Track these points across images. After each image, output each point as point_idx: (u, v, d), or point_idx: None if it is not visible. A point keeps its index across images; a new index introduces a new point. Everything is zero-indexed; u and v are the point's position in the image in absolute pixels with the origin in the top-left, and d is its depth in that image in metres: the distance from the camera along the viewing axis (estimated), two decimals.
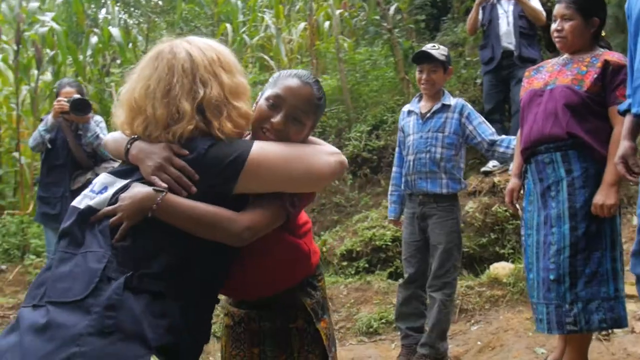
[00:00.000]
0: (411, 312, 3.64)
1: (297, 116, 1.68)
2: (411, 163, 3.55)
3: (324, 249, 5.47)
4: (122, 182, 1.53)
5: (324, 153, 1.67)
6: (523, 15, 5.53)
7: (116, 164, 4.52)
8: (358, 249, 5.34)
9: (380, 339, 4.21)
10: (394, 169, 3.79)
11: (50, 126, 4.42)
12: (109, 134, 1.90)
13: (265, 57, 8.20)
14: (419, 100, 3.70)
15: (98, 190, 1.55)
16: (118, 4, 8.67)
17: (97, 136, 4.36)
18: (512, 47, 5.54)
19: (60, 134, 4.48)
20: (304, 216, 1.90)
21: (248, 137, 1.70)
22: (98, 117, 4.62)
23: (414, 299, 3.63)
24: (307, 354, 1.86)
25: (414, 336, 3.59)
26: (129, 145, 1.59)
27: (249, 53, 8.72)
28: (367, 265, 5.24)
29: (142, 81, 1.56)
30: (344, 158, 1.74)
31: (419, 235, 3.57)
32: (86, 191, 1.58)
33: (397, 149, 3.80)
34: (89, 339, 1.27)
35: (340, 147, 6.69)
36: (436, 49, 3.52)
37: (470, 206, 5.20)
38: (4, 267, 6.81)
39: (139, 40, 10.07)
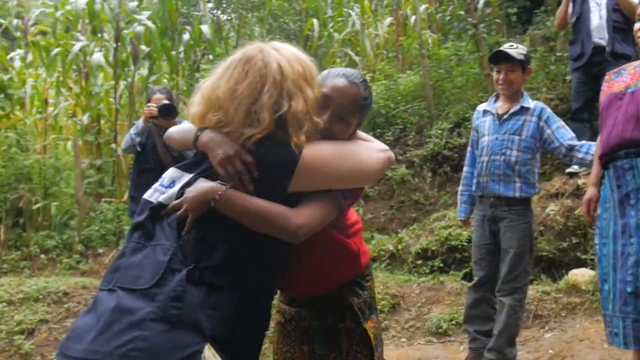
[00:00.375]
0: (480, 315, 3.59)
1: (343, 115, 1.73)
2: (484, 164, 3.48)
3: (399, 247, 5.48)
4: (188, 176, 1.63)
5: (372, 150, 1.75)
6: (617, 9, 5.24)
7: None
8: (433, 248, 5.30)
9: (449, 340, 4.18)
10: (465, 168, 3.74)
11: (140, 130, 4.67)
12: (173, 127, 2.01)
13: (351, 52, 8.24)
14: (496, 100, 3.61)
15: (167, 185, 1.66)
16: (210, 2, 8.98)
17: None
18: (603, 42, 5.27)
19: (151, 138, 4.70)
20: (353, 216, 1.94)
21: None
22: (186, 122, 4.82)
23: (483, 302, 3.58)
24: (355, 354, 1.91)
25: (482, 340, 3.54)
26: (199, 133, 1.67)
27: (335, 48, 8.80)
28: (441, 265, 5.20)
29: (229, 82, 1.62)
30: (391, 154, 1.81)
31: (490, 238, 3.51)
32: (156, 185, 1.70)
33: (469, 148, 3.74)
34: (151, 325, 1.39)
35: (420, 145, 6.65)
36: (514, 48, 3.43)
37: (551, 208, 5.03)
38: (100, 251, 7.31)
39: (230, 36, 10.43)
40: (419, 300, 4.73)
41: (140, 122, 4.70)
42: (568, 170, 5.40)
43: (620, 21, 5.26)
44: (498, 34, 7.53)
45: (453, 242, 5.20)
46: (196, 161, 1.69)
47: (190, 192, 1.57)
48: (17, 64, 9.06)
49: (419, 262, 5.32)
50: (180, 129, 1.86)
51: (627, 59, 4.72)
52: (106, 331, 1.39)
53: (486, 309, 3.58)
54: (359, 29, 8.09)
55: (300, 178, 1.58)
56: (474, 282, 3.64)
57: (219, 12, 9.81)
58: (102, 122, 8.70)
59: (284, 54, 1.66)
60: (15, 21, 9.72)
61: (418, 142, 6.73)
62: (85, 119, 7.88)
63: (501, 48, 3.49)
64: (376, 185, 6.58)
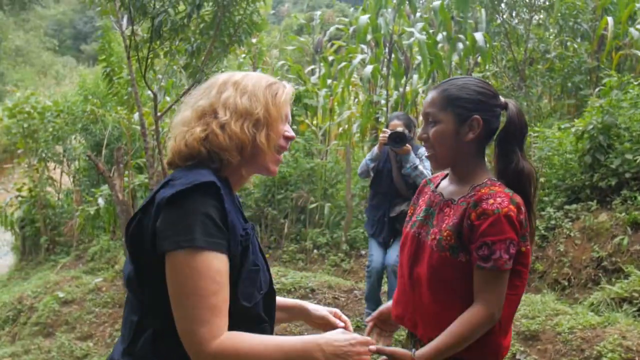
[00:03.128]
0: None
1: None
2: None
3: None
4: None
5: None
6: None
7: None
8: None
9: None
10: None
11: (374, 156, 4.86)
12: None
13: None
14: None
15: None
16: (486, 8, 8.71)
17: (416, 167, 4.60)
18: None
19: (388, 164, 4.87)
20: None
21: None
22: (423, 150, 4.84)
23: None
24: None
25: None
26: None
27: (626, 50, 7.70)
28: None
29: None
30: None
31: None
32: None
33: None
34: None
35: None
36: None
37: None
38: (363, 252, 7.78)
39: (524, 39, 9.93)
40: None
41: (375, 149, 4.87)
42: None
43: None
44: None
45: None
46: None
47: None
48: (315, 77, 10.17)
49: None
50: None
51: None
52: None
53: None
54: None
55: None
56: None
57: (503, 15, 9.40)
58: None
59: None
60: (317, 38, 10.91)
61: None
62: (355, 127, 8.44)
63: None
64: None
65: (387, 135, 4.55)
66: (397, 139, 4.49)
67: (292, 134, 1.67)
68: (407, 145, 4.54)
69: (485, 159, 2.00)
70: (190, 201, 1.40)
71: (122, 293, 7.27)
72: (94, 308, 7.09)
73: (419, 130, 2.07)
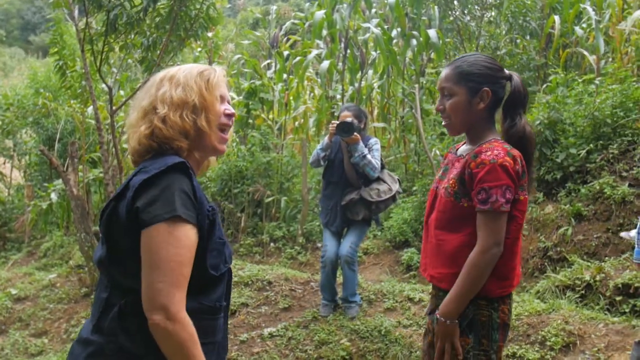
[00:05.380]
0: None
1: None
2: None
3: (598, 278, 4.84)
4: None
5: None
6: None
7: (384, 187, 4.89)
8: (637, 285, 4.57)
9: None
10: None
11: (325, 146, 4.96)
12: None
13: (585, 52, 7.42)
14: None
15: None
16: (439, 5, 8.91)
17: (364, 156, 4.73)
18: None
19: (340, 154, 4.99)
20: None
21: None
22: (374, 140, 4.99)
23: None
24: None
25: None
26: None
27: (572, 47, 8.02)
28: None
29: None
30: None
31: None
32: None
33: None
34: (97, 357, 1.63)
35: None
36: None
37: None
38: (319, 245, 7.89)
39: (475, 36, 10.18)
40: (600, 344, 4.14)
41: (326, 139, 4.98)
42: None
43: None
44: None
45: None
46: None
47: None
48: (271, 71, 10.19)
49: (618, 298, 4.64)
50: None
51: None
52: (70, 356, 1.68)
53: None
54: (594, 25, 7.20)
55: None
56: None
57: (456, 12, 9.64)
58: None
59: None
60: (274, 32, 10.92)
61: None
62: (311, 121, 8.52)
63: None
64: (592, 204, 5.88)
65: (335, 125, 4.70)
66: (345, 128, 4.66)
67: (231, 110, 1.82)
68: (356, 134, 4.68)
69: (495, 123, 2.27)
70: (167, 180, 1.55)
71: (77, 289, 7.20)
72: (49, 304, 7.00)
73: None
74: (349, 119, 4.73)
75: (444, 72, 2.27)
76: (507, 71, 2.26)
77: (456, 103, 2.19)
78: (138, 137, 1.68)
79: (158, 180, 1.55)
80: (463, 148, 2.32)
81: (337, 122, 4.75)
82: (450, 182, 2.18)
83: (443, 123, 2.32)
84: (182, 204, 1.53)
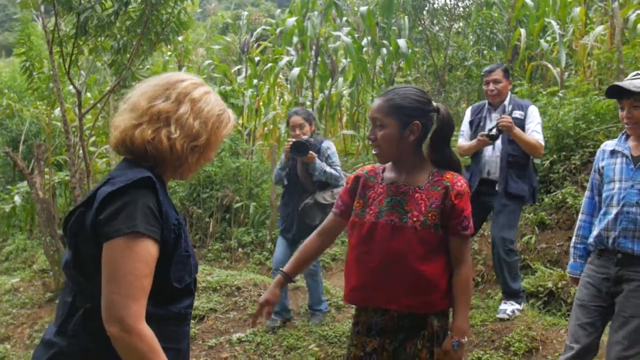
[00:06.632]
0: None
1: None
2: (613, 217, 2.91)
3: (560, 285, 4.98)
4: None
5: None
6: None
7: (339, 188, 4.89)
8: None
9: None
10: (582, 216, 3.20)
11: (283, 165, 4.92)
12: None
13: (549, 65, 7.63)
14: (627, 139, 3.03)
15: None
16: (408, 15, 9.05)
17: (324, 172, 4.72)
18: None
19: (293, 161, 4.87)
20: None
21: None
22: (326, 144, 4.95)
23: None
24: None
25: None
26: None
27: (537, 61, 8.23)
28: None
29: None
30: None
31: (607, 300, 2.94)
32: None
33: (587, 193, 3.22)
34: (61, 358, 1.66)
35: None
36: (638, 78, 2.85)
37: None
38: None
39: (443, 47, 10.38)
40: (562, 349, 4.25)
41: (283, 158, 4.94)
42: None
43: None
44: None
45: None
46: None
47: None
48: (241, 77, 10.20)
49: None
50: None
51: None
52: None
53: None
54: (558, 39, 7.43)
55: None
56: (572, 351, 3.02)
57: (425, 22, 9.81)
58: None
59: None
60: (244, 38, 10.94)
61: None
62: (281, 128, 8.56)
63: (618, 83, 2.91)
64: (554, 213, 6.05)
65: (290, 145, 4.64)
66: (299, 149, 4.58)
67: (213, 159, 1.92)
68: (311, 153, 4.62)
69: (422, 152, 2.40)
70: (131, 195, 1.56)
71: (41, 293, 7.07)
72: (11, 309, 6.86)
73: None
74: (304, 137, 4.66)
75: (377, 102, 2.35)
76: (435, 104, 2.37)
77: (387, 135, 2.28)
78: (137, 135, 1.67)
79: (123, 194, 1.56)
80: (404, 179, 2.37)
81: (292, 140, 4.65)
82: (430, 214, 2.27)
83: (374, 152, 2.41)
84: (144, 220, 1.55)
